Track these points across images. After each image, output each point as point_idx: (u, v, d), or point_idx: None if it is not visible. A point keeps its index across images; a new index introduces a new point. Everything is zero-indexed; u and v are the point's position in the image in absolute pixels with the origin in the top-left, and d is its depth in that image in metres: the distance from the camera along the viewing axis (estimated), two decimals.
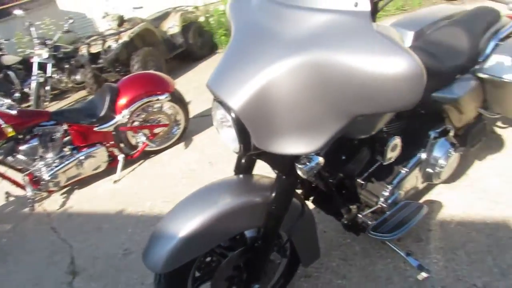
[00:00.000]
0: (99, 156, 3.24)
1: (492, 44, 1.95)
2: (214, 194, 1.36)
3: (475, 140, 2.06)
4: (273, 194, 1.32)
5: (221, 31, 6.65)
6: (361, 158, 1.64)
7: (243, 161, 1.50)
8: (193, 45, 6.29)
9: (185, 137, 3.68)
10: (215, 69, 1.23)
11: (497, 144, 2.40)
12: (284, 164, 1.26)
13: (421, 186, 1.92)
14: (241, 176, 1.48)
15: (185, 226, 1.25)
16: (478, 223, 1.93)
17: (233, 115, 1.09)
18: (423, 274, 1.64)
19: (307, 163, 1.19)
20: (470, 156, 2.28)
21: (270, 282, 1.65)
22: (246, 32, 1.23)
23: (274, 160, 1.31)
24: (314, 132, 1.07)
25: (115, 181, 3.30)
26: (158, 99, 3.31)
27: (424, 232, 1.94)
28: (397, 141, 1.60)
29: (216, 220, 1.26)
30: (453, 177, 2.15)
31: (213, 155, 3.29)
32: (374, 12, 1.03)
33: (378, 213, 1.74)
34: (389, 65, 0.90)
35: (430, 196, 2.16)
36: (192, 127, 3.75)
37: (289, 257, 1.67)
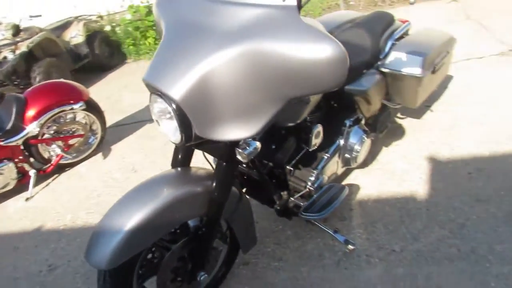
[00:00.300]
0: (7, 173, 2.96)
1: (389, 43, 2.25)
2: (155, 187, 1.37)
3: (383, 126, 2.34)
4: (214, 182, 1.38)
5: (129, 40, 6.49)
6: (289, 147, 1.78)
7: (179, 156, 1.53)
8: (100, 55, 6.04)
9: (103, 147, 3.54)
10: (150, 64, 1.25)
11: (399, 131, 2.74)
12: (225, 150, 1.32)
13: (340, 171, 2.12)
14: (179, 169, 1.50)
15: (128, 221, 1.25)
16: (390, 199, 2.18)
17: (174, 105, 1.13)
18: (350, 247, 1.85)
19: (247, 148, 1.27)
20: (378, 143, 2.57)
21: (213, 270, 1.71)
22: (179, 28, 1.27)
23: (215, 147, 1.37)
24: (252, 117, 1.15)
25: (27, 199, 3.04)
26: (72, 108, 3.14)
27: (347, 211, 2.15)
28: (319, 128, 1.78)
29: (159, 212, 1.28)
30: (366, 163, 2.41)
31: (136, 162, 3.21)
32: (299, 7, 1.16)
33: (306, 197, 1.89)
34: (317, 51, 1.02)
35: (348, 180, 2.39)
36: (109, 137, 3.61)
37: (229, 245, 1.74)
